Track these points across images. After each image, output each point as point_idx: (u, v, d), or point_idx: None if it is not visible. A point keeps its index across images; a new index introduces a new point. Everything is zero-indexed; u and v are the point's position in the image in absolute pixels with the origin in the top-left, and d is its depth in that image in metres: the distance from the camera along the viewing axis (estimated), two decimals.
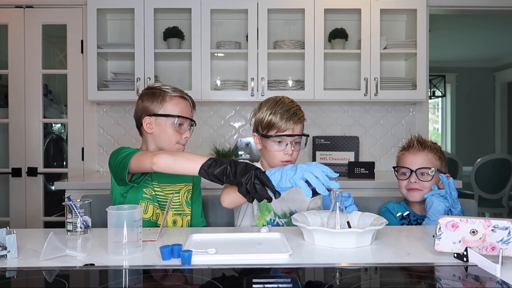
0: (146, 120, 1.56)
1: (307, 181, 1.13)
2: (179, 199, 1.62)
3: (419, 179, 1.62)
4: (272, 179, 1.16)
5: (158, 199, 1.57)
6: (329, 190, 1.18)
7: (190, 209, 1.65)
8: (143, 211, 1.52)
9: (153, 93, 1.57)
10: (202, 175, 1.21)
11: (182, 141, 1.58)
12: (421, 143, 1.67)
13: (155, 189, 1.57)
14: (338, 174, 1.17)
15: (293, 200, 1.63)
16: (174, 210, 1.60)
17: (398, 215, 1.67)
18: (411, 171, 1.64)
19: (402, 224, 1.65)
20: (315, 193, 1.15)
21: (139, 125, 1.60)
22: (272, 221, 1.59)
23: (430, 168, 1.62)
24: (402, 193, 1.69)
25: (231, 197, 1.33)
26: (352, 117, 3.18)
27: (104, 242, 1.17)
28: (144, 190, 1.55)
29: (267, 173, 1.18)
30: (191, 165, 1.23)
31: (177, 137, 1.56)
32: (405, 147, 1.71)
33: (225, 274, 0.98)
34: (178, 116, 1.54)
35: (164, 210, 1.56)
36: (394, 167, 1.73)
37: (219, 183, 1.22)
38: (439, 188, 1.56)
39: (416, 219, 1.66)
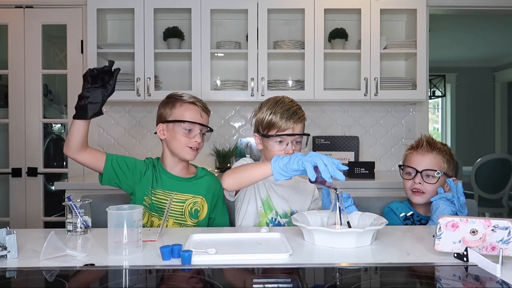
0: (160, 127, 1.62)
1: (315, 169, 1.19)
2: (182, 208, 1.59)
3: (423, 180, 1.60)
4: (280, 161, 1.23)
5: (156, 207, 1.58)
6: (330, 186, 1.23)
7: (194, 222, 1.61)
8: None
9: (166, 101, 1.63)
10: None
11: (191, 144, 1.57)
12: (430, 144, 1.64)
13: (159, 196, 1.58)
14: (347, 168, 1.19)
15: (294, 200, 1.63)
16: (174, 219, 1.59)
17: (401, 215, 1.66)
18: (417, 171, 1.61)
19: (406, 224, 1.63)
20: (318, 182, 1.20)
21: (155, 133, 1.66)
22: (273, 219, 1.60)
23: (436, 170, 1.59)
24: (407, 194, 1.67)
25: (234, 177, 1.36)
26: (352, 117, 3.18)
27: (104, 242, 1.17)
28: (144, 198, 1.58)
29: (274, 157, 1.26)
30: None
31: (186, 140, 1.57)
32: (414, 146, 1.68)
33: (225, 274, 0.98)
34: (184, 121, 1.56)
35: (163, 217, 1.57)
36: (400, 165, 1.71)
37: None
38: (444, 191, 1.52)
39: (419, 219, 1.64)
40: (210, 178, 1.68)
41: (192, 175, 1.66)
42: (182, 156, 1.60)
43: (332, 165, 1.16)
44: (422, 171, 1.61)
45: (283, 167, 1.21)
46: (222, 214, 1.69)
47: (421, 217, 1.65)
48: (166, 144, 1.63)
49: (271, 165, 1.25)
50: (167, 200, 1.57)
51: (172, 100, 1.62)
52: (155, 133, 1.65)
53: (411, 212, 1.66)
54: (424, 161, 1.62)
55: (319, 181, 1.20)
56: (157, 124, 1.65)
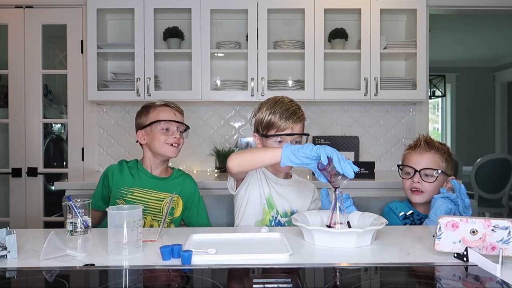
0: (139, 134, 1.73)
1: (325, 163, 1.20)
2: (160, 206, 1.66)
3: (422, 179, 1.60)
4: (291, 146, 1.23)
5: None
6: (334, 182, 1.24)
7: (170, 219, 1.69)
8: None
9: (141, 111, 1.75)
10: None
11: (170, 140, 1.67)
12: (428, 143, 1.64)
13: (137, 194, 1.65)
14: (358, 169, 1.20)
15: (294, 199, 1.63)
16: (153, 216, 1.65)
17: (401, 214, 1.66)
18: (415, 171, 1.62)
19: (405, 224, 1.63)
20: (326, 171, 1.21)
21: (137, 141, 1.75)
22: (274, 218, 1.60)
23: (434, 169, 1.59)
24: (406, 194, 1.67)
25: (241, 157, 1.36)
26: (352, 117, 3.18)
27: (104, 242, 1.17)
28: (117, 201, 1.65)
29: (285, 145, 1.25)
30: None
31: (164, 137, 1.67)
32: (412, 146, 1.68)
33: (225, 274, 0.98)
34: (160, 121, 1.66)
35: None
36: (398, 165, 1.72)
37: None
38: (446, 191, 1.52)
39: (419, 218, 1.65)
40: (184, 178, 1.78)
41: (168, 176, 1.75)
42: (165, 153, 1.68)
43: (345, 161, 1.18)
44: (420, 170, 1.61)
45: (294, 151, 1.22)
46: (202, 215, 1.75)
47: (421, 216, 1.65)
48: (148, 147, 1.72)
49: (282, 149, 1.25)
50: (146, 197, 1.66)
51: (145, 108, 1.74)
52: (137, 141, 1.74)
53: (411, 211, 1.66)
54: (423, 160, 1.62)
55: (328, 169, 1.21)
56: (136, 134, 1.74)
